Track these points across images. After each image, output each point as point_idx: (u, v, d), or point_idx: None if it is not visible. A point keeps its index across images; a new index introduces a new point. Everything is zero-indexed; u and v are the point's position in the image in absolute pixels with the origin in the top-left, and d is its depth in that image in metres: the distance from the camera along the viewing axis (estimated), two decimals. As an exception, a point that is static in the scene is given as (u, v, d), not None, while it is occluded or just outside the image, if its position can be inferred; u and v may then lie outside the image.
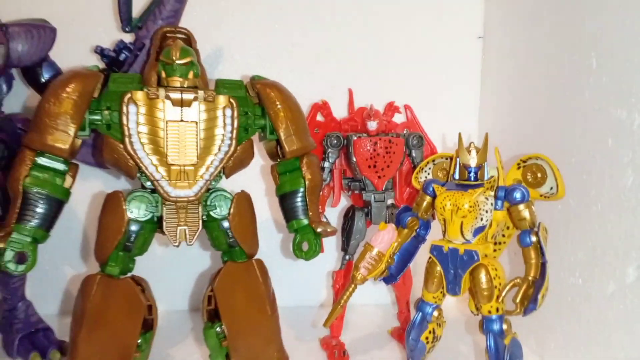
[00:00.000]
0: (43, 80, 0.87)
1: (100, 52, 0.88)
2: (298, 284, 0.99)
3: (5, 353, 0.87)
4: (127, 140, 0.66)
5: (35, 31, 0.83)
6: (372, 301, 1.10)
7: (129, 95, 0.66)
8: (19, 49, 0.81)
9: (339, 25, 1.07)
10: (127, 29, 0.88)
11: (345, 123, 0.96)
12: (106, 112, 0.67)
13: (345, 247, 0.91)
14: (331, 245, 1.02)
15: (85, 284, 0.67)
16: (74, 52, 0.89)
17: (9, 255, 0.63)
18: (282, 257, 1.02)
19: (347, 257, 0.92)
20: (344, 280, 0.93)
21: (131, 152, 0.66)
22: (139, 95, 0.66)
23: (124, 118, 0.65)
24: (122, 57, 0.87)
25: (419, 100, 1.01)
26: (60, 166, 0.66)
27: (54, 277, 1.01)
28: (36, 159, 0.65)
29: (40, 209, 0.64)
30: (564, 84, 0.84)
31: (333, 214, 0.97)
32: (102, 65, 0.89)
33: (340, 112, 0.99)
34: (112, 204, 0.67)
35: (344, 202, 0.95)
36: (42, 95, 0.66)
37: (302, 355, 0.85)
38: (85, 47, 0.92)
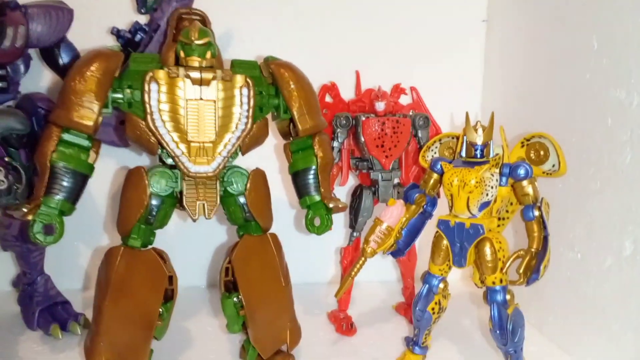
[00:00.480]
0: (60, 60, 0.89)
1: (117, 33, 0.90)
2: (306, 260, 1.02)
3: (25, 325, 0.91)
4: (149, 117, 0.68)
5: (53, 12, 0.85)
6: (377, 278, 1.14)
7: (150, 74, 0.68)
8: (38, 30, 0.83)
9: (345, 8, 1.10)
10: (142, 11, 0.90)
11: (353, 104, 0.98)
12: (127, 90, 0.69)
13: (353, 224, 0.95)
14: (339, 222, 1.05)
15: (109, 255, 0.70)
16: (90, 33, 0.91)
17: (37, 227, 0.65)
18: (295, 232, 1.06)
19: (354, 234, 0.95)
20: (352, 256, 0.96)
21: (153, 129, 0.68)
22: (160, 74, 0.68)
23: (146, 96, 0.68)
24: (137, 38, 0.89)
25: (424, 82, 1.03)
26: (85, 142, 0.69)
27: (76, 252, 1.04)
28: (62, 135, 0.67)
29: (66, 182, 0.67)
30: (565, 65, 0.87)
31: (341, 193, 1.00)
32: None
33: (347, 93, 1.02)
34: (135, 179, 0.70)
35: (352, 181, 0.98)
36: (67, 73, 0.68)
37: (311, 327, 0.88)
38: (101, 28, 0.95)
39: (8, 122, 0.63)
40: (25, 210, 0.65)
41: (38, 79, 0.99)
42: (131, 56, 0.71)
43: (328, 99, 0.99)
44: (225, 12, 1.02)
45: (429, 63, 1.12)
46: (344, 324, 0.93)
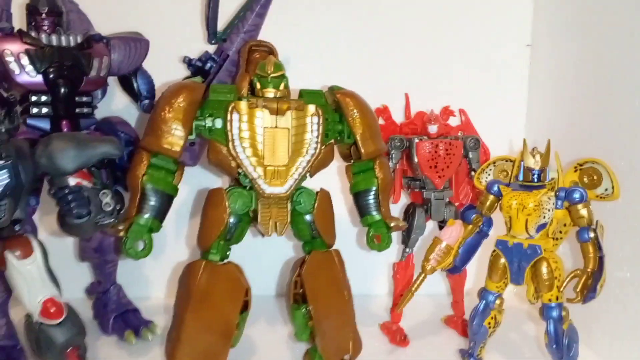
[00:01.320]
0: (136, 86, 0.96)
1: (188, 62, 0.97)
2: (359, 274, 1.07)
3: (100, 330, 0.98)
4: (230, 144, 0.75)
5: (132, 43, 0.92)
6: (424, 292, 1.17)
7: (232, 105, 0.74)
8: (119, 60, 0.90)
9: (394, 35, 1.15)
10: (212, 41, 0.97)
11: (405, 126, 1.03)
12: (209, 118, 0.76)
13: (405, 241, 1.00)
14: (392, 239, 1.10)
15: (191, 268, 0.76)
16: (163, 61, 0.98)
17: (130, 243, 0.72)
18: (350, 247, 1.11)
19: (407, 250, 1.00)
20: (404, 271, 1.01)
21: (234, 154, 0.75)
22: (241, 105, 0.75)
23: (228, 125, 0.74)
24: (207, 66, 0.96)
25: (468, 104, 1.08)
26: (172, 166, 0.75)
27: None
28: (152, 159, 0.74)
29: (154, 202, 0.74)
30: (613, 90, 0.90)
31: (394, 210, 1.04)
32: (188, 73, 0.99)
33: (396, 116, 1.07)
34: (215, 199, 0.76)
35: (404, 199, 1.04)
36: (156, 104, 0.75)
37: (366, 337, 0.92)
38: (173, 57, 1.02)
39: (107, 148, 0.70)
40: (120, 228, 0.72)
41: (109, 101, 1.06)
42: (211, 87, 0.78)
43: (380, 121, 1.04)
44: (282, 41, 1.08)
45: (474, 86, 1.16)
46: (398, 336, 0.97)
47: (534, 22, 1.17)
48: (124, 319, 0.98)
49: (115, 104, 1.07)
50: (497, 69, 1.17)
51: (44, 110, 0.83)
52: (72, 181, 0.68)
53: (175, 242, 1.12)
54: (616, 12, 0.90)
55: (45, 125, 0.84)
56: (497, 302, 0.80)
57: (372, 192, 0.84)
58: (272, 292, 1.16)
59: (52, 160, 0.67)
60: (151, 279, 1.15)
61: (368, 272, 1.16)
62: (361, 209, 0.85)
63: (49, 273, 0.70)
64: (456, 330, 1.02)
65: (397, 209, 1.09)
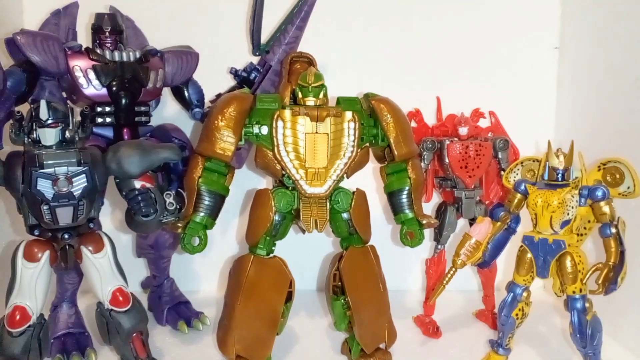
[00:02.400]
0: (187, 96, 1.04)
1: (234, 72, 1.05)
2: (394, 270, 1.13)
3: (155, 321, 1.06)
4: (275, 149, 0.82)
5: (184, 57, 0.99)
6: (456, 287, 1.22)
7: (278, 113, 0.82)
8: (172, 72, 0.98)
9: (425, 42, 1.20)
10: (256, 53, 1.04)
11: (437, 128, 1.09)
12: (256, 126, 0.84)
13: (437, 237, 1.05)
14: (425, 236, 1.15)
15: (241, 262, 0.84)
16: (212, 72, 1.05)
17: (187, 239, 0.81)
18: (385, 244, 1.17)
19: (439, 246, 1.06)
20: (436, 267, 1.07)
21: (279, 158, 0.82)
22: (286, 113, 0.82)
23: (274, 132, 0.82)
24: (252, 76, 1.04)
25: (498, 106, 1.12)
26: (223, 169, 0.83)
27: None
28: (206, 163, 0.82)
29: (209, 202, 0.82)
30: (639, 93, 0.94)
31: (426, 209, 1.10)
32: (234, 82, 1.07)
33: (427, 118, 1.12)
34: (262, 198, 0.84)
35: (436, 198, 1.09)
36: (210, 113, 0.83)
37: (400, 329, 0.98)
38: (221, 68, 1.10)
39: (167, 154, 0.78)
40: (179, 225, 0.80)
41: (160, 109, 1.15)
42: (257, 97, 0.85)
43: (413, 124, 1.10)
44: (318, 50, 1.15)
45: (504, 89, 1.20)
46: (430, 327, 1.03)
47: (562, 25, 1.21)
48: (176, 311, 1.06)
49: (167, 111, 1.16)
50: (525, 71, 1.22)
51: (108, 119, 0.92)
52: (137, 184, 0.77)
53: (222, 239, 1.21)
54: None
55: (108, 133, 0.93)
56: (524, 294, 0.85)
57: (405, 192, 0.90)
58: (312, 286, 1.23)
59: (121, 165, 0.75)
60: (200, 274, 1.23)
61: (402, 268, 1.22)
62: (395, 207, 0.91)
63: (118, 266, 0.79)
64: (487, 323, 1.08)
65: (429, 207, 1.14)
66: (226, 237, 1.21)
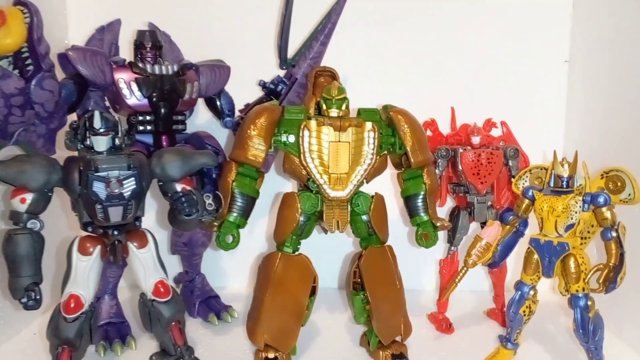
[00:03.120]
0: (219, 105, 1.11)
1: (263, 85, 1.13)
2: (410, 270, 1.19)
3: (188, 314, 1.14)
4: (302, 156, 0.90)
5: (217, 70, 1.08)
6: (468, 288, 1.29)
7: (304, 123, 0.90)
8: (206, 84, 1.06)
9: (440, 55, 1.27)
10: (283, 67, 1.13)
11: (451, 137, 1.16)
12: (284, 134, 0.92)
13: (451, 240, 1.12)
14: (439, 238, 1.22)
15: (269, 258, 0.92)
16: (242, 84, 1.13)
17: (222, 236, 0.89)
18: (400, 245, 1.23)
19: (452, 248, 1.12)
20: (449, 267, 1.13)
21: (305, 164, 0.90)
22: (311, 124, 0.90)
23: (301, 140, 0.89)
24: (279, 88, 1.12)
25: (510, 117, 1.19)
26: (255, 174, 0.91)
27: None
28: (239, 168, 0.90)
29: (241, 203, 0.90)
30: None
31: (440, 213, 1.17)
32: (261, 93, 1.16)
33: (442, 128, 1.19)
34: (289, 201, 0.92)
35: (449, 203, 1.16)
36: (243, 123, 0.91)
37: (415, 325, 1.02)
38: (250, 80, 1.18)
39: (205, 160, 0.87)
40: (215, 224, 0.88)
41: (193, 118, 1.24)
42: (285, 108, 0.93)
43: (428, 133, 1.17)
44: (338, 63, 1.21)
45: (515, 100, 1.26)
46: (443, 324, 1.10)
47: (572, 39, 1.27)
48: (207, 304, 1.15)
49: (198, 120, 1.25)
50: (536, 84, 1.27)
51: (148, 127, 1.01)
52: (179, 187, 0.85)
53: (248, 239, 1.28)
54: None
55: (148, 139, 1.02)
56: (531, 292, 0.91)
57: (421, 196, 0.97)
58: (332, 284, 1.31)
59: (164, 169, 0.84)
60: (227, 271, 1.32)
61: (417, 269, 1.29)
62: (411, 210, 0.98)
63: (159, 260, 0.87)
64: (497, 321, 1.14)
65: (443, 211, 1.21)
66: (252, 237, 1.29)
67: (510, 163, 1.09)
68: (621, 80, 1.08)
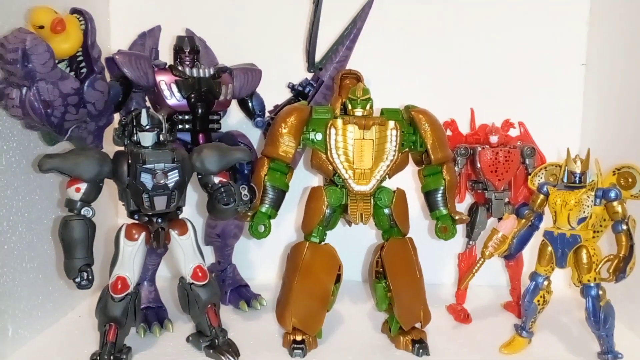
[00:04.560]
0: (251, 106, 1.19)
1: (291, 87, 1.20)
2: (430, 264, 1.24)
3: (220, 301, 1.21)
4: (329, 152, 0.96)
5: (249, 72, 1.14)
6: (486, 282, 1.34)
7: (331, 122, 0.96)
8: (239, 86, 1.13)
9: (460, 58, 1.32)
10: (311, 70, 1.20)
11: (470, 137, 1.20)
12: (312, 132, 0.98)
13: (469, 234, 1.17)
14: (458, 233, 1.27)
15: (298, 247, 0.99)
16: (272, 87, 1.20)
17: (255, 226, 0.96)
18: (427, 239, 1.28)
19: (470, 242, 1.18)
20: (467, 260, 1.18)
21: (331, 160, 0.96)
22: (338, 122, 0.96)
23: (327, 137, 0.96)
24: (307, 90, 1.19)
25: (527, 118, 1.23)
26: (285, 169, 0.99)
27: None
28: (271, 164, 0.98)
29: (272, 196, 0.97)
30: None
31: (459, 209, 1.22)
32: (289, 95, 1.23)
33: (462, 127, 1.25)
34: (316, 194, 0.98)
35: (468, 199, 1.21)
36: (274, 121, 0.98)
37: (434, 316, 1.06)
38: (280, 83, 1.24)
39: (241, 155, 0.94)
40: (249, 214, 0.96)
41: (225, 118, 1.32)
42: (313, 109, 0.99)
43: (448, 132, 1.22)
44: (360, 66, 1.26)
45: (532, 102, 1.31)
46: (461, 314, 1.15)
47: (589, 42, 1.31)
48: (238, 292, 1.21)
49: (230, 120, 1.33)
50: (553, 86, 1.32)
51: (187, 126, 1.08)
52: (216, 179, 0.93)
53: (276, 232, 1.35)
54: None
55: (186, 137, 1.09)
56: (545, 283, 0.96)
57: (440, 191, 1.03)
58: (356, 277, 1.37)
59: (203, 163, 0.91)
60: (256, 263, 1.39)
61: (437, 263, 1.34)
62: (431, 205, 1.04)
63: (198, 247, 0.95)
64: (513, 313, 1.18)
65: (462, 207, 1.25)
66: (279, 231, 1.36)
67: (527, 161, 1.14)
68: (636, 84, 1.12)
